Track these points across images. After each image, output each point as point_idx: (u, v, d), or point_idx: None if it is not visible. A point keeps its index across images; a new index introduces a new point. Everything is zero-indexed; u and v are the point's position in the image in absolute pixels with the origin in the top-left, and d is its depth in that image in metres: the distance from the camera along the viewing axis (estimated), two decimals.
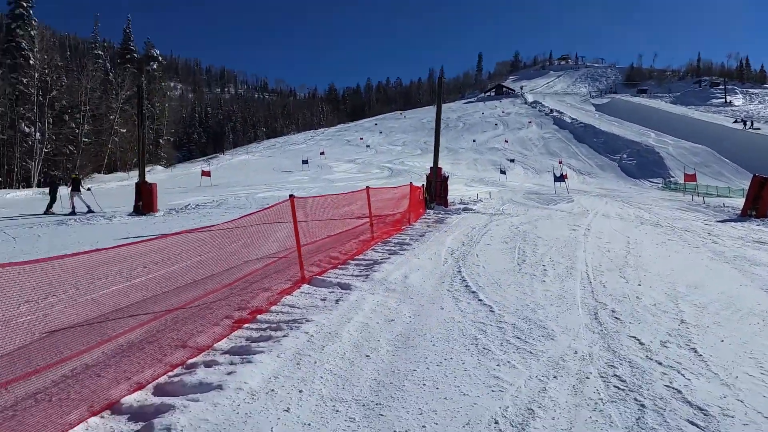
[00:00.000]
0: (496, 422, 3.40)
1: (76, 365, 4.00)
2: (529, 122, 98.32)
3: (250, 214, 6.90)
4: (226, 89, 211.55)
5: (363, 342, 4.79)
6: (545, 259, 8.84)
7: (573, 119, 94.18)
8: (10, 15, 49.15)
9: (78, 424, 3.35)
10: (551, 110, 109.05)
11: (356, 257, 8.74)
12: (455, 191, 27.56)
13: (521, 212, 17.75)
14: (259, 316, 5.54)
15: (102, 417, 3.48)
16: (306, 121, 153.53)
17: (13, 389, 3.41)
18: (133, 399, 3.69)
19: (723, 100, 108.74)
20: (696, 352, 4.71)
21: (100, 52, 64.22)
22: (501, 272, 7.82)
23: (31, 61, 47.11)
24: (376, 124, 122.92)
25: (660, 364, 4.41)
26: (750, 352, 4.71)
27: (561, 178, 33.43)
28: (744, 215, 16.98)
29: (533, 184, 44.59)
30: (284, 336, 4.79)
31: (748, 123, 73.04)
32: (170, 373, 4.12)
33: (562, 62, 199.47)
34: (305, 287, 6.69)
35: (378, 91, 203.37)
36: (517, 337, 5.01)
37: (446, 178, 19.58)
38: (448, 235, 11.68)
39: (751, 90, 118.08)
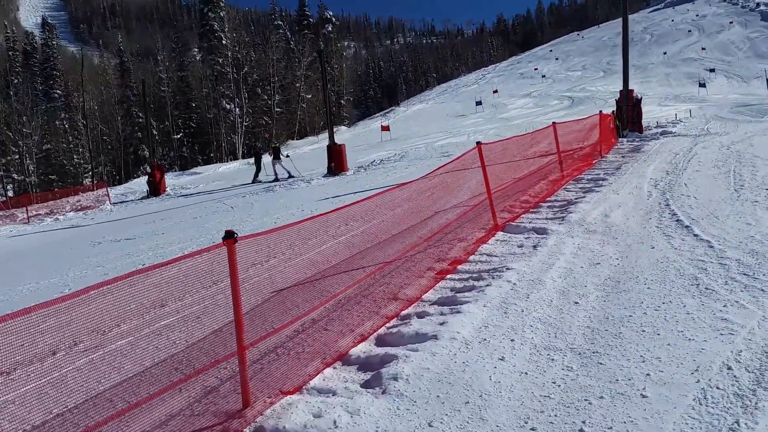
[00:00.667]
0: (729, 368, 3.16)
1: (305, 320, 4.48)
2: (730, 22, 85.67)
3: (442, 166, 7.03)
4: (395, 39, 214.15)
5: (569, 288, 4.70)
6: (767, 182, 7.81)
7: None
8: (201, 0, 54.12)
9: (316, 375, 3.75)
10: (758, 4, 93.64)
11: (548, 199, 8.51)
12: (648, 113, 25.30)
13: (731, 129, 15.78)
14: (459, 267, 5.69)
15: (335, 368, 3.86)
16: (476, 59, 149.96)
17: (257, 345, 3.92)
18: (359, 350, 4.04)
19: None
20: None
21: (280, 22, 68.47)
22: (716, 201, 7.09)
23: (224, 41, 51.73)
24: (551, 51, 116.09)
25: None
26: None
27: None
28: None
29: (740, 94, 39.22)
30: (487, 285, 4.88)
31: None
32: (388, 325, 4.43)
33: None
34: (500, 234, 6.69)
35: (550, 13, 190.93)
36: (744, 274, 4.55)
37: (639, 101, 18.00)
38: (648, 164, 10.81)
39: None
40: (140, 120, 54.32)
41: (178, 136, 56.12)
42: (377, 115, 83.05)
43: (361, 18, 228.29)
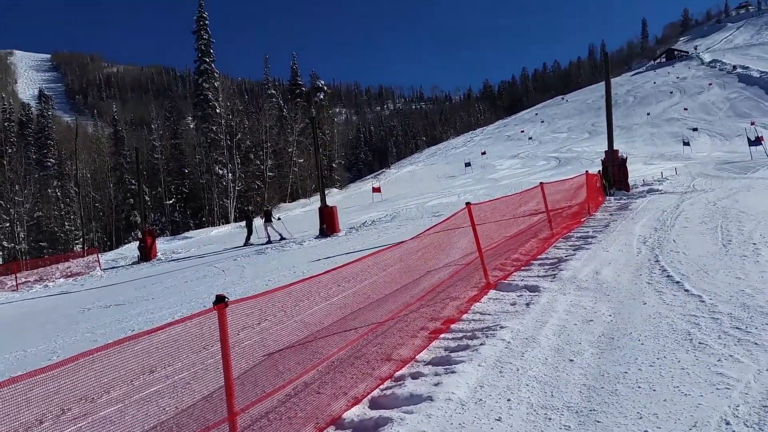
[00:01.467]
0: (728, 423, 3.13)
1: (297, 384, 4.41)
2: (710, 84, 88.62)
3: (432, 227, 7.10)
4: (385, 106, 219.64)
5: (563, 346, 4.67)
6: (755, 236, 7.91)
7: (763, 72, 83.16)
8: (196, 72, 55.64)
9: None
10: (734, 67, 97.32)
11: (538, 257, 8.55)
12: (634, 172, 25.78)
13: (716, 185, 16.07)
14: (452, 326, 5.66)
15: None
16: (463, 123, 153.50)
17: (247, 412, 3.83)
18: (352, 413, 3.96)
19: None
20: None
21: (273, 91, 70.08)
22: (705, 256, 7.15)
23: (218, 110, 52.88)
24: (536, 114, 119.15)
25: None
26: None
27: (757, 141, 29.72)
28: None
29: (723, 152, 40.16)
30: (481, 344, 4.84)
31: None
32: (381, 386, 4.37)
33: (741, 11, 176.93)
34: (492, 293, 6.69)
35: (535, 79, 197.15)
36: (737, 328, 4.56)
37: (624, 160, 18.39)
38: (636, 222, 10.94)
39: None
40: (133, 187, 54.61)
41: (171, 202, 56.38)
42: (368, 177, 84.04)
43: (352, 86, 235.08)
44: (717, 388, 3.56)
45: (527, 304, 5.94)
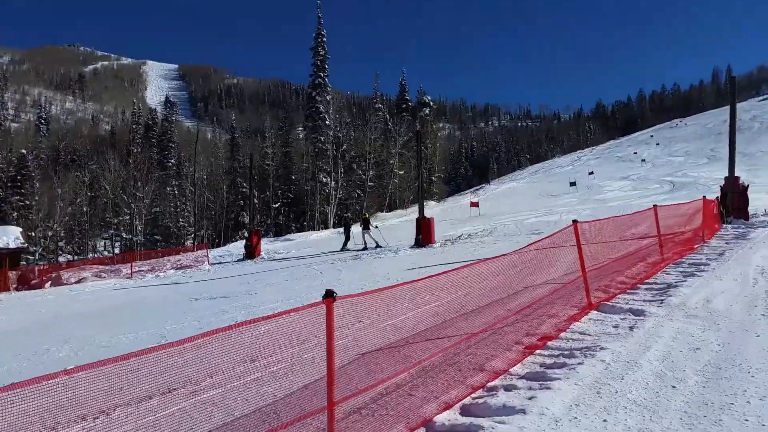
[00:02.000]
0: None
1: (389, 384, 4.51)
2: None
3: (535, 242, 7.01)
4: (489, 122, 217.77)
5: (666, 372, 4.46)
6: None
7: None
8: (310, 85, 58.11)
9: None
10: None
11: (646, 281, 8.17)
12: (756, 201, 23.89)
13: None
14: (549, 343, 5.56)
15: None
16: (572, 142, 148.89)
17: (341, 405, 3.97)
18: (443, 418, 4.01)
19: None
20: None
21: (380, 105, 71.60)
22: None
23: (327, 122, 54.89)
24: (651, 136, 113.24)
25: None
26: None
27: None
28: None
29: None
30: (579, 363, 4.73)
31: None
32: (473, 395, 4.38)
33: None
34: (593, 313, 6.49)
35: (652, 100, 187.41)
36: None
37: (745, 188, 17.12)
38: (755, 252, 10.18)
39: None
40: (244, 189, 57.82)
41: (277, 205, 58.92)
42: (467, 191, 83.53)
43: (458, 102, 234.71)
44: None
45: (631, 328, 5.72)
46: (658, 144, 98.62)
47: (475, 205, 40.26)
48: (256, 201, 53.94)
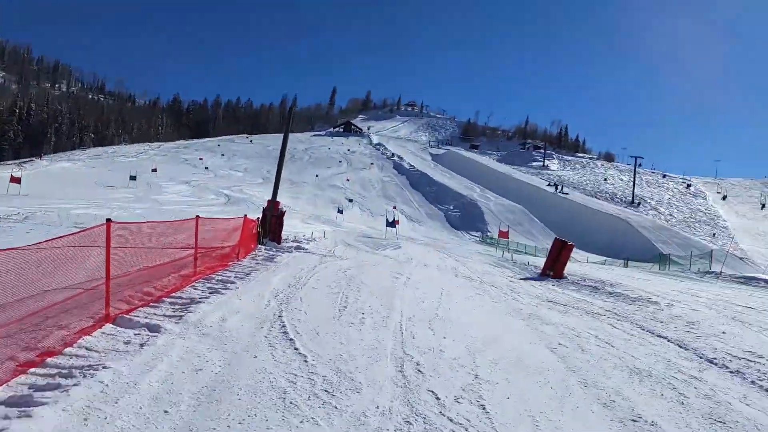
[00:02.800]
0: None
1: None
2: (372, 164, 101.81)
3: (58, 237, 6.32)
4: (57, 85, 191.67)
5: (164, 395, 4.55)
6: (365, 307, 9.12)
7: (411, 166, 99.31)
8: None
9: None
10: (393, 154, 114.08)
11: (172, 294, 8.34)
12: (292, 227, 27.59)
13: (351, 255, 18.20)
14: (49, 360, 5.05)
15: None
16: (142, 131, 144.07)
17: None
18: None
19: (542, 163, 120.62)
20: (484, 408, 5.12)
21: None
22: (322, 319, 7.92)
23: None
24: (219, 145, 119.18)
25: (451, 420, 4.72)
26: (529, 410, 5.24)
27: (393, 224, 34.98)
28: (543, 275, 18.79)
29: (367, 226, 45.99)
30: (75, 385, 4.41)
31: (559, 187, 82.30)
32: None
33: (409, 108, 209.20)
34: (109, 327, 6.23)
35: (226, 109, 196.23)
36: (326, 390, 5.08)
37: (282, 213, 19.52)
38: (276, 274, 11.61)
39: (566, 157, 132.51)
40: None
41: None
42: (12, 162, 71.84)
43: (22, 49, 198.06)
44: None
45: (142, 345, 5.68)
46: (223, 155, 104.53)
47: (16, 181, 34.88)
48: None
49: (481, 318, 9.80)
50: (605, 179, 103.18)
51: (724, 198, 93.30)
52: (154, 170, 68.80)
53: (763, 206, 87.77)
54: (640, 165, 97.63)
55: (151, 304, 7.56)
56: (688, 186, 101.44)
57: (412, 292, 11.42)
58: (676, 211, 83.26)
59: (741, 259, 49.08)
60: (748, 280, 21.40)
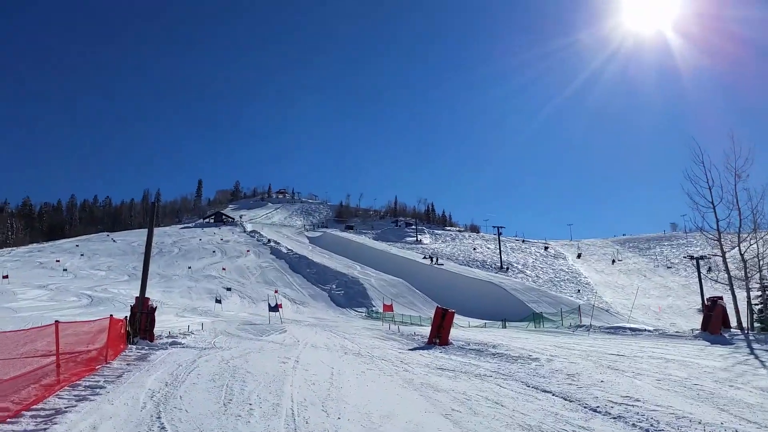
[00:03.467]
0: None
1: None
2: (248, 251, 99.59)
3: None
4: None
5: None
6: (253, 397, 8.72)
7: (289, 249, 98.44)
8: None
9: None
10: (269, 240, 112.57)
11: (34, 407, 7.47)
12: (166, 322, 26.06)
13: (234, 345, 17.42)
14: None
15: None
16: None
17: None
18: None
19: (415, 238, 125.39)
20: None
21: None
22: (206, 415, 7.45)
23: None
24: (77, 246, 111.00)
25: None
26: None
27: (275, 308, 34.12)
28: (430, 343, 19.18)
29: (249, 313, 44.47)
30: None
31: (434, 259, 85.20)
32: None
33: (280, 196, 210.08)
34: None
35: (83, 209, 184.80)
36: None
37: (153, 309, 18.40)
38: (151, 374, 10.81)
39: (436, 231, 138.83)
40: None
41: None
42: None
43: None
44: None
45: None
46: (82, 255, 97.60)
47: None
48: None
49: (375, 393, 9.70)
50: (474, 249, 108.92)
51: (579, 256, 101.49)
52: (6, 277, 62.36)
53: (614, 261, 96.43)
54: (502, 234, 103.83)
55: (9, 420, 6.71)
56: (546, 248, 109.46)
57: (301, 375, 11.09)
58: (541, 272, 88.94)
59: (606, 311, 53.16)
60: (615, 330, 23.13)
